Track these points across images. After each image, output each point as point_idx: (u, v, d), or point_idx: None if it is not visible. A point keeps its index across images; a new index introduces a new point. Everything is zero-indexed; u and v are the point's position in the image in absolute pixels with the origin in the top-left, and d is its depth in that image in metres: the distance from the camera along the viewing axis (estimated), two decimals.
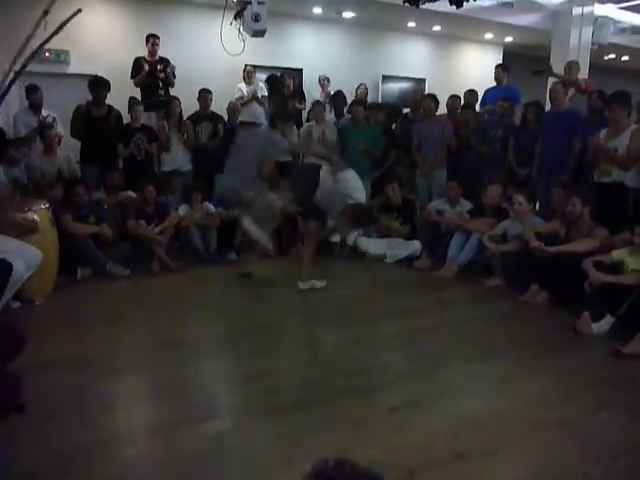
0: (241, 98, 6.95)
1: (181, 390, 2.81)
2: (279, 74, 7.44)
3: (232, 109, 6.34)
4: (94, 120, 5.55)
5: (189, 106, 6.21)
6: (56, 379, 2.81)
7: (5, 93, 4.42)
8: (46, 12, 4.40)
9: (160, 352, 3.24)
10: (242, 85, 7.10)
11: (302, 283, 4.41)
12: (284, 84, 7.11)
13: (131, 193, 5.39)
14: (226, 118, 6.29)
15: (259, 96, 7.06)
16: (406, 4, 6.16)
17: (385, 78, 9.40)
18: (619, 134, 4.38)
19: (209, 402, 2.68)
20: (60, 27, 4.58)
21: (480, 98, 6.63)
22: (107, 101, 5.65)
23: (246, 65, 7.05)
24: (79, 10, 4.63)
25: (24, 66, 4.37)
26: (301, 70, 8.42)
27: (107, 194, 5.33)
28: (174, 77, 6.45)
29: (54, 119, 5.51)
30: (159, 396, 2.78)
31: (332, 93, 7.20)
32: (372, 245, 5.50)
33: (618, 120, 4.40)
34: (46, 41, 4.54)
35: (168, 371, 2.99)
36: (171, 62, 6.44)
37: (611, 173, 4.45)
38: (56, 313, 3.95)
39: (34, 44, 4.52)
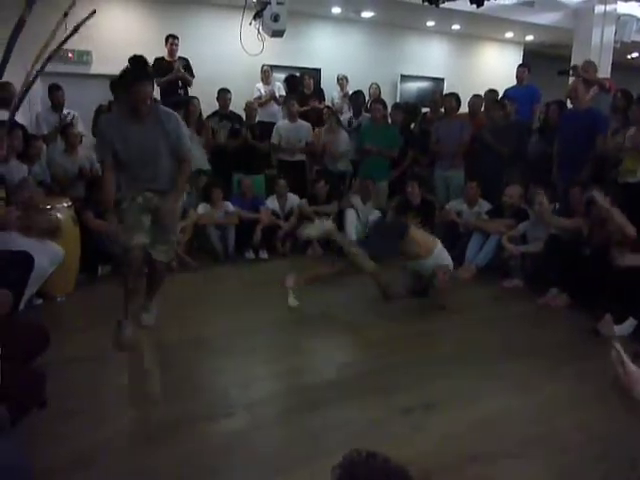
0: (259, 98, 6.99)
1: (199, 387, 2.84)
2: (298, 74, 7.47)
3: (250, 109, 6.38)
4: None
5: (208, 106, 6.26)
6: (77, 375, 2.86)
7: (26, 92, 4.49)
8: (66, 14, 4.48)
9: (179, 349, 3.27)
10: (260, 85, 7.13)
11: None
12: (303, 84, 7.13)
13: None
14: (244, 118, 6.34)
15: (277, 96, 7.09)
16: (425, 3, 6.13)
17: (404, 77, 9.37)
18: None
19: (227, 400, 2.70)
20: (75, 29, 4.64)
21: (500, 97, 6.57)
22: None
23: (263, 65, 7.08)
24: (94, 11, 4.70)
25: (43, 67, 4.44)
26: (319, 70, 8.43)
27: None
28: (192, 75, 6.50)
29: (73, 116, 5.59)
30: (178, 393, 2.80)
31: (350, 92, 7.20)
32: None
33: None
34: (63, 42, 4.60)
35: (187, 368, 3.02)
36: (190, 62, 6.50)
37: (636, 173, 4.37)
38: (78, 310, 4.01)
39: (54, 46, 4.60)
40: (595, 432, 2.44)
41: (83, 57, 6.86)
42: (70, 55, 6.74)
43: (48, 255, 3.57)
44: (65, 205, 4.21)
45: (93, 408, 2.57)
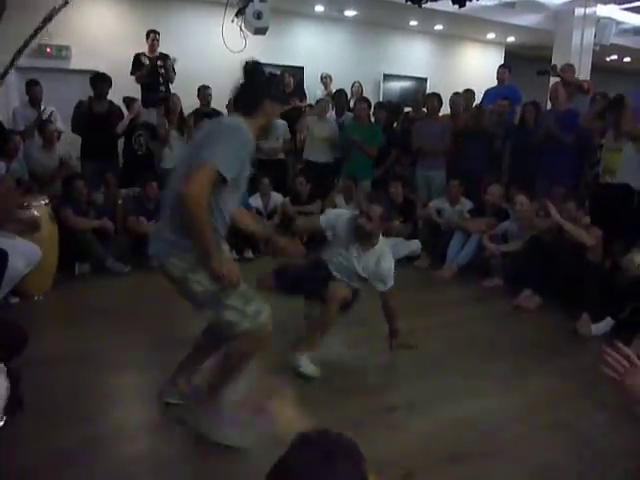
0: None
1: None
2: (279, 72, 7.43)
3: (232, 106, 6.31)
4: (95, 116, 5.54)
5: (190, 103, 6.20)
6: (55, 375, 2.81)
7: None
8: (50, 18, 4.41)
9: (160, 349, 3.23)
10: None
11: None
12: (283, 82, 7.08)
13: (135, 189, 5.38)
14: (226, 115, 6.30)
15: None
16: (408, 3, 6.15)
17: (386, 77, 9.40)
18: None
19: None
20: (48, 18, 4.58)
21: (481, 98, 6.62)
22: (107, 97, 5.65)
23: None
24: (66, 2, 4.62)
25: (14, 60, 4.37)
26: (302, 68, 8.41)
27: (106, 192, 5.31)
28: (174, 72, 6.43)
29: (51, 113, 5.50)
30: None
31: (334, 91, 7.20)
32: None
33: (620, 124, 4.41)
34: (36, 33, 4.54)
35: (168, 368, 2.98)
36: (171, 56, 6.43)
37: (615, 173, 4.44)
38: (55, 309, 3.95)
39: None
40: (576, 430, 2.47)
41: (62, 52, 6.74)
42: (48, 50, 6.63)
43: (24, 256, 3.50)
44: (43, 203, 4.14)
45: (72, 408, 2.52)
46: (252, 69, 2.28)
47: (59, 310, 3.96)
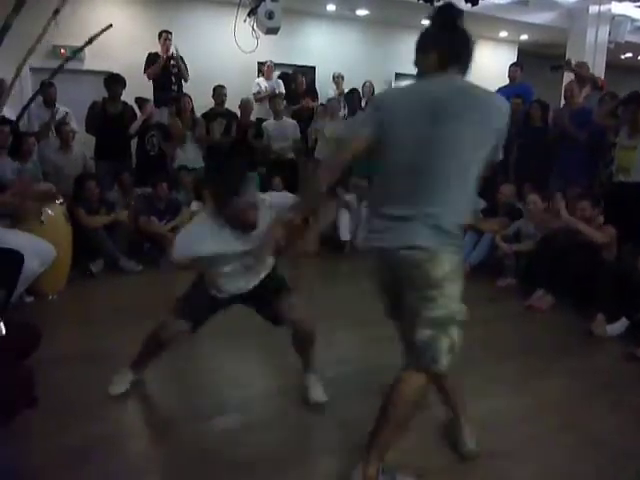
0: (258, 93, 6.94)
1: (192, 386, 2.82)
2: (291, 72, 7.45)
3: (244, 106, 6.34)
4: (109, 117, 5.58)
5: (202, 103, 6.23)
6: (67, 374, 2.84)
7: (11, 86, 4.45)
8: (57, 11, 4.46)
9: (171, 348, 3.24)
10: (260, 80, 7.08)
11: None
12: (296, 82, 7.10)
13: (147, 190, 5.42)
14: (239, 115, 6.31)
15: (277, 92, 7.04)
16: (420, 1, 6.12)
17: (398, 76, 9.35)
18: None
19: (221, 398, 2.68)
20: (90, 41, 4.69)
21: None
22: (121, 98, 5.69)
23: (267, 60, 7.06)
24: (110, 25, 4.73)
25: (25, 60, 4.42)
26: (314, 68, 8.41)
27: (122, 193, 5.35)
28: (187, 71, 6.44)
29: (66, 113, 5.55)
30: (170, 391, 2.79)
31: (346, 91, 7.19)
32: None
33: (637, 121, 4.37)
34: (79, 50, 4.61)
35: (179, 367, 3.00)
36: (181, 55, 6.45)
37: (629, 171, 4.40)
38: (69, 308, 3.98)
39: (47, 41, 4.57)
40: (587, 432, 2.44)
41: (76, 53, 6.79)
42: (62, 51, 6.68)
43: (39, 255, 3.53)
44: (57, 203, 4.19)
45: (85, 406, 2.54)
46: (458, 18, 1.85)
47: (73, 309, 4.00)
